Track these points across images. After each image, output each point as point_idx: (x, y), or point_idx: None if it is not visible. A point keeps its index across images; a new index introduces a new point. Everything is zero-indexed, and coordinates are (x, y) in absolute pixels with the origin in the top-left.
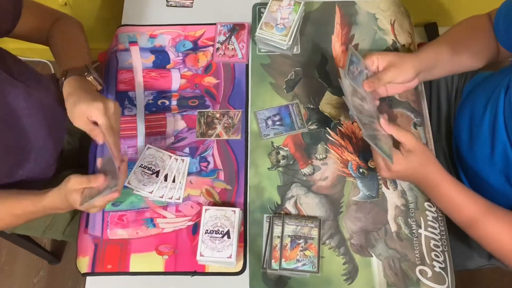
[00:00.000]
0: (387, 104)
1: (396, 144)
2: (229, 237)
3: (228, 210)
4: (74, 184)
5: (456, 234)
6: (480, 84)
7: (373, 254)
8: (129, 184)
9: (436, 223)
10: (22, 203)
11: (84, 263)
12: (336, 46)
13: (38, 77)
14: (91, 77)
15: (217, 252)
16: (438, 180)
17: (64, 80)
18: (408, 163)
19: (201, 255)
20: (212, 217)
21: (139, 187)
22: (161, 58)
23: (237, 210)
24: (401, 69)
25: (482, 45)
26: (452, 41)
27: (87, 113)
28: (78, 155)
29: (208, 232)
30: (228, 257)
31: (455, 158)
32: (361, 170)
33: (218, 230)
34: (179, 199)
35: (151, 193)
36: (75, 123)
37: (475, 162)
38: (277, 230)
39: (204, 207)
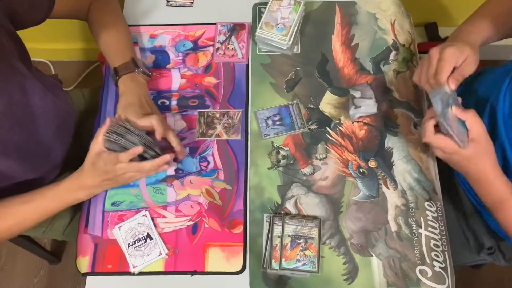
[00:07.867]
0: (387, 104)
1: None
2: (151, 239)
3: (139, 217)
4: (99, 144)
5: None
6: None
7: (373, 254)
8: (135, 267)
9: (436, 223)
10: (39, 192)
11: (84, 263)
12: (336, 46)
13: (51, 80)
14: (141, 73)
15: (147, 256)
16: (492, 177)
17: (118, 80)
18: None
19: (134, 266)
20: (127, 231)
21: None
22: (161, 58)
23: (146, 212)
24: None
25: None
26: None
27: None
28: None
29: (131, 244)
30: (159, 255)
31: None
32: (361, 170)
33: (138, 238)
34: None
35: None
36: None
37: None
38: (277, 230)
39: (116, 226)
